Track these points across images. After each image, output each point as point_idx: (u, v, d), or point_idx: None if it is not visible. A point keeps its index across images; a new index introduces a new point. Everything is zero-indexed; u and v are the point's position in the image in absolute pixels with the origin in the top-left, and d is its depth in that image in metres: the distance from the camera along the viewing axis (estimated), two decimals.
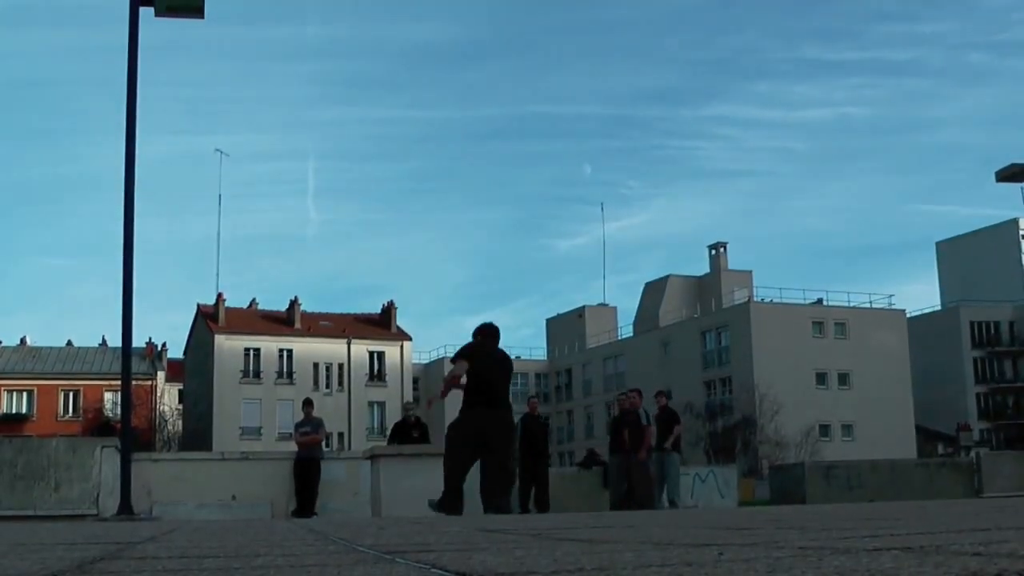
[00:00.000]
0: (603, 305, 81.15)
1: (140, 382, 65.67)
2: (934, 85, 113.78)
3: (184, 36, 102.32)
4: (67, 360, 71.55)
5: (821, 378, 63.37)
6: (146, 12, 12.44)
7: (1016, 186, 23.81)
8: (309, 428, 15.69)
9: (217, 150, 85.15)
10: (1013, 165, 23.15)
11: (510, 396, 10.36)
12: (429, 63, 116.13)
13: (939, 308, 76.66)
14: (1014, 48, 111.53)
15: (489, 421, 9.82)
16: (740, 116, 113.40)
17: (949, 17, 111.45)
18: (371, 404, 67.84)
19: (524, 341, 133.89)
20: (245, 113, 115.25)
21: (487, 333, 10.27)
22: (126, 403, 12.83)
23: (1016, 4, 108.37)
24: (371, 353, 68.60)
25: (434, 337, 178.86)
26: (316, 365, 67.57)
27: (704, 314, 68.46)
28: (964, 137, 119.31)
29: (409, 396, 70.20)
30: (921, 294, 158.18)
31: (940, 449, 61.44)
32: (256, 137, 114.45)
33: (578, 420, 75.18)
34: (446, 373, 10.40)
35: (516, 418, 11.16)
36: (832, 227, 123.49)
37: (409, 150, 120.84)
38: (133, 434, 14.30)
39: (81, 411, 68.59)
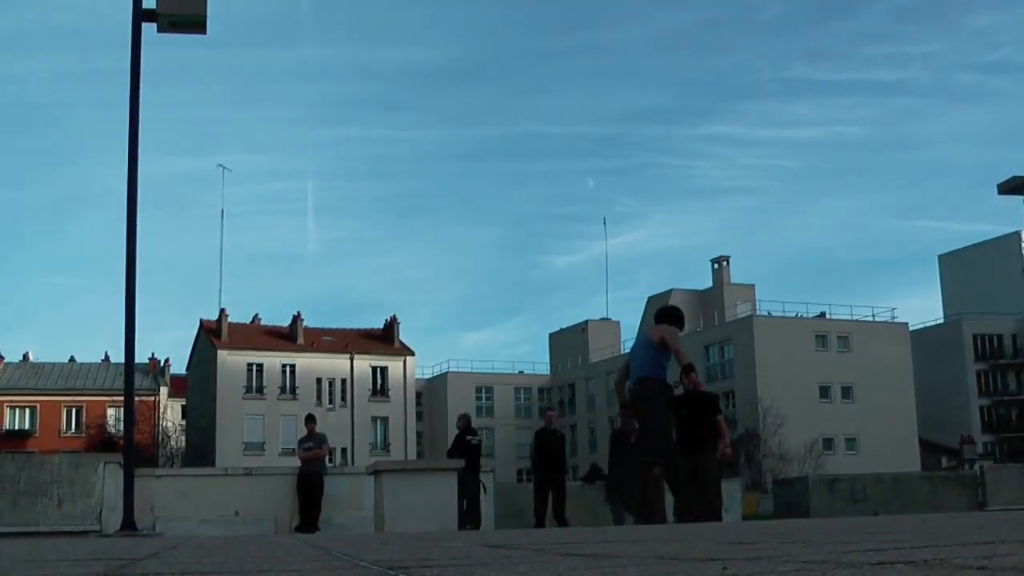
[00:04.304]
0: (606, 319, 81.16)
1: (143, 398, 65.62)
2: (924, 104, 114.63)
3: (187, 59, 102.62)
4: (70, 376, 71.53)
5: (824, 391, 63.25)
6: (149, 31, 12.48)
7: (1014, 200, 23.83)
8: (312, 443, 15.68)
9: (219, 165, 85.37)
10: (1015, 178, 23.19)
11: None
12: (425, 84, 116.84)
13: (942, 321, 76.59)
14: (1001, 68, 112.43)
15: None
16: (733, 135, 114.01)
17: (935, 38, 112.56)
18: (374, 419, 67.76)
19: (526, 356, 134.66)
20: (246, 134, 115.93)
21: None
22: (129, 419, 12.83)
23: (1001, 26, 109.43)
24: (374, 368, 68.57)
25: (436, 352, 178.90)
26: (319, 380, 67.50)
27: (707, 328, 68.40)
28: (955, 154, 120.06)
29: (412, 411, 70.17)
30: (924, 307, 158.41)
31: (943, 462, 61.24)
32: (256, 157, 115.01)
33: (581, 435, 75.02)
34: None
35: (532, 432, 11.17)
36: (832, 242, 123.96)
37: (407, 169, 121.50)
38: (136, 450, 14.28)
39: (84, 427, 68.53)
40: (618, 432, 16.04)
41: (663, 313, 10.11)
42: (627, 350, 56.58)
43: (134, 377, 12.50)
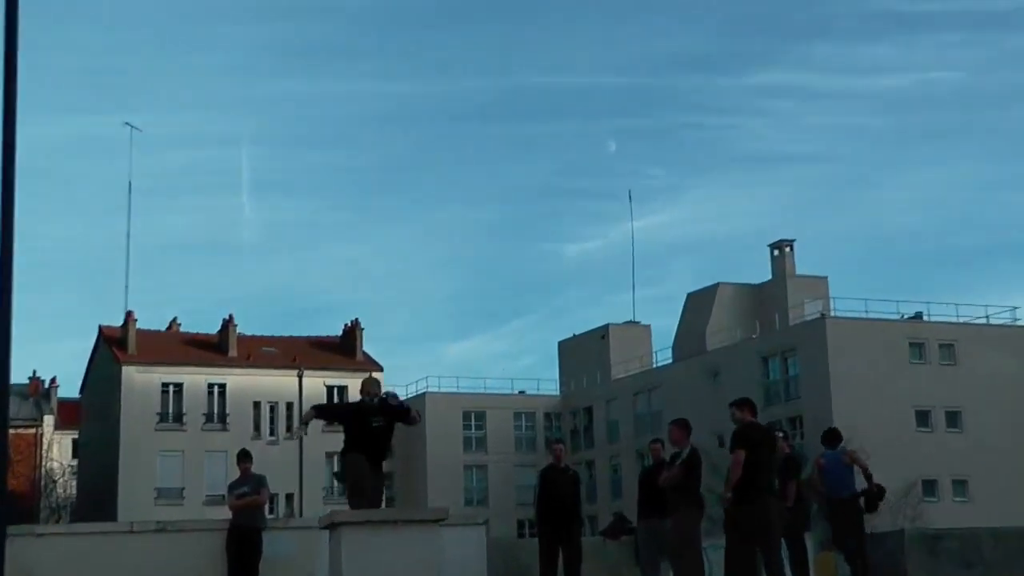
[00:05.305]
0: (632, 323, 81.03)
1: (20, 430, 65.53)
2: None
3: None
4: None
5: (923, 418, 63.22)
6: None
7: None
8: (247, 488, 15.79)
9: (127, 124, 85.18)
10: None
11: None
12: (397, 25, 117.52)
13: None
14: None
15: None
16: (796, 86, 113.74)
17: None
18: (330, 456, 67.50)
19: (530, 371, 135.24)
20: (162, 87, 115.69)
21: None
22: (1, 459, 12.76)
23: None
24: (330, 388, 68.35)
25: (410, 367, 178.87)
26: (257, 405, 67.50)
27: (765, 333, 68.34)
28: None
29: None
30: None
31: None
32: (176, 116, 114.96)
33: (601, 474, 75.03)
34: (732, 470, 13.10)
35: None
36: (929, 223, 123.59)
37: (374, 134, 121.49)
38: (10, 500, 14.21)
39: None
40: (649, 471, 16.13)
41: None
42: (660, 363, 57.25)
43: (9, 402, 12.43)
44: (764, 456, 13.34)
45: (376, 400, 14.01)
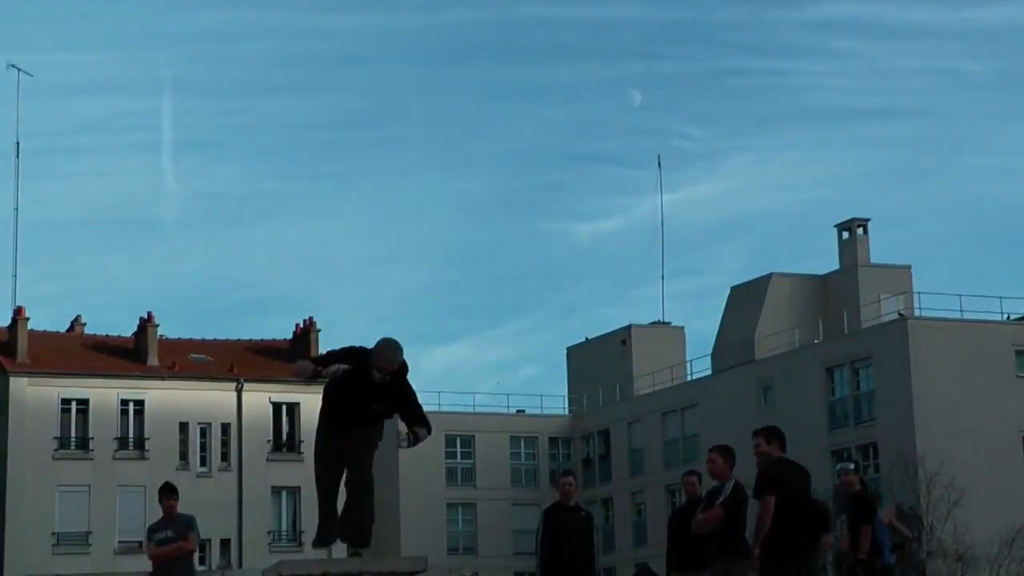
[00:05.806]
0: (660, 324, 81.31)
1: None
2: None
3: None
4: None
5: None
6: None
7: None
8: (171, 532, 15.88)
9: (11, 65, 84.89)
10: None
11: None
12: None
13: None
14: None
15: None
16: (872, 20, 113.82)
17: None
18: (276, 491, 67.50)
19: (531, 385, 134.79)
20: (57, 19, 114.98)
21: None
22: None
23: None
24: (277, 405, 68.31)
25: None
26: (184, 426, 67.51)
27: (831, 338, 68.25)
28: None
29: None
30: None
31: None
32: (76, 57, 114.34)
33: (621, 515, 75.04)
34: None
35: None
36: None
37: (331, 80, 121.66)
38: None
39: None
40: (682, 512, 16.28)
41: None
42: (696, 374, 56.39)
43: None
44: (801, 502, 13.86)
45: (388, 379, 13.09)
